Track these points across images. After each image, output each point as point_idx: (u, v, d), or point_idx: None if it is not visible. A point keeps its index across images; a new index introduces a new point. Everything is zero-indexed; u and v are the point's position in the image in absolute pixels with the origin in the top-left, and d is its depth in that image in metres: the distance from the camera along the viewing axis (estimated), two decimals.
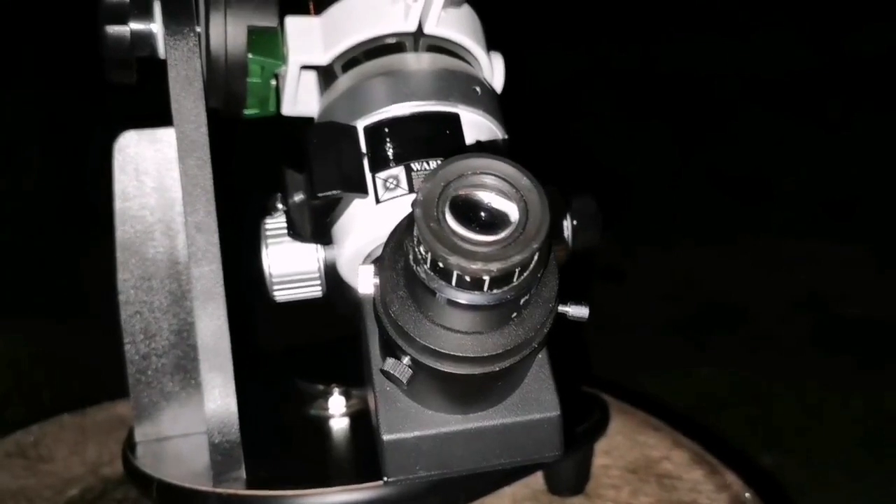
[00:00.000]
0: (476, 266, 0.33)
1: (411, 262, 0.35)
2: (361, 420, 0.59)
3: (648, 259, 1.55)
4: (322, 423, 0.59)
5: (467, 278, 0.33)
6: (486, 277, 0.33)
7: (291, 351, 0.71)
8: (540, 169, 0.36)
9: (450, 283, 0.34)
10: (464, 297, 0.34)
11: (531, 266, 0.34)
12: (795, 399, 1.26)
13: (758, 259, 1.55)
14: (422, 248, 0.34)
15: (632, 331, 1.38)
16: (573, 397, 0.62)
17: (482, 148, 0.46)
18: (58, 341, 1.30)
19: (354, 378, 0.54)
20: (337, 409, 0.60)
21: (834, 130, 1.86)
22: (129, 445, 0.59)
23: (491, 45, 0.53)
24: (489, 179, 0.34)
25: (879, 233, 1.60)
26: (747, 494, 0.60)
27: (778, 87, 1.99)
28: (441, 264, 0.33)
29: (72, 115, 1.65)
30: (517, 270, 0.33)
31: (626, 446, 0.65)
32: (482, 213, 0.34)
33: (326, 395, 0.61)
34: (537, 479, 0.60)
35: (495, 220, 0.34)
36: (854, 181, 1.75)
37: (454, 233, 0.33)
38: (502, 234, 0.33)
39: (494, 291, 0.34)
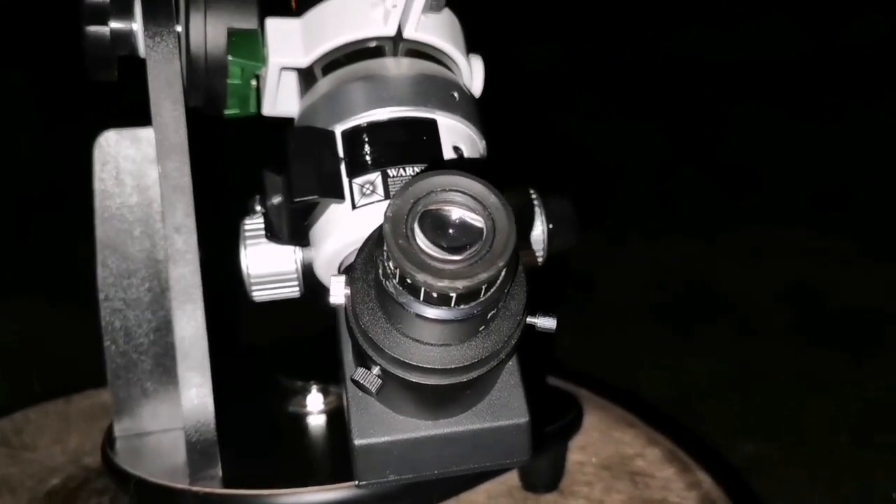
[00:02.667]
0: (443, 283, 0.33)
1: (381, 276, 0.35)
2: (339, 417, 0.59)
3: (636, 249, 1.55)
4: (300, 420, 0.60)
5: (435, 294, 0.34)
6: (453, 294, 0.34)
7: (269, 347, 0.72)
8: (526, 162, 0.36)
9: (418, 298, 0.34)
10: (431, 312, 0.35)
11: (498, 282, 0.34)
12: (782, 389, 1.26)
13: (747, 249, 1.55)
14: (391, 264, 0.34)
15: (619, 321, 1.38)
16: (546, 395, 0.63)
17: (458, 162, 0.46)
18: (48, 327, 1.30)
19: (332, 375, 0.55)
20: (315, 407, 0.61)
21: (826, 122, 1.86)
22: (109, 440, 0.59)
23: (477, 39, 0.53)
24: (458, 196, 0.35)
25: (868, 224, 1.61)
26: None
27: (770, 78, 1.98)
28: (409, 280, 0.34)
29: (65, 104, 1.64)
30: (484, 287, 0.34)
31: (601, 443, 0.65)
32: (450, 230, 0.34)
33: (304, 391, 0.61)
34: (512, 476, 0.60)
35: (463, 237, 0.34)
36: (845, 172, 1.75)
37: (422, 250, 0.33)
38: (469, 252, 0.34)
39: (461, 307, 0.34)
